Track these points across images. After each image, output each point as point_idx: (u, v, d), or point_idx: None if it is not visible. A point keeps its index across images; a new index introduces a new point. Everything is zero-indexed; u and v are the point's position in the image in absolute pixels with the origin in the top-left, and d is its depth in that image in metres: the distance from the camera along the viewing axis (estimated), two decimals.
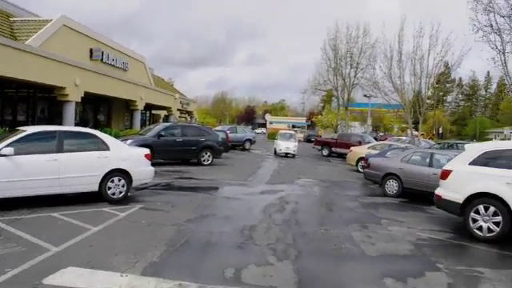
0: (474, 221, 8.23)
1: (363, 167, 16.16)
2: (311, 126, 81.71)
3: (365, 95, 41.97)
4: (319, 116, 67.98)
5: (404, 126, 31.81)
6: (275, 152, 27.41)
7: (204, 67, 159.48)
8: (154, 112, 40.15)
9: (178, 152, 18.18)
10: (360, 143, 25.97)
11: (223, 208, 9.90)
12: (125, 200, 9.64)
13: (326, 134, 49.18)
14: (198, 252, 6.31)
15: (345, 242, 7.38)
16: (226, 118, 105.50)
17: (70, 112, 18.87)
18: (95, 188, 9.32)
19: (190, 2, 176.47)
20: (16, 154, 8.22)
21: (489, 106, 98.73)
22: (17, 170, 8.21)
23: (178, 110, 38.12)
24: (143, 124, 32.87)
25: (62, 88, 18.00)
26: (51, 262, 5.46)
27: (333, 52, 41.16)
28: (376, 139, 38.04)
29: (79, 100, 19.38)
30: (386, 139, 38.56)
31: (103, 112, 30.04)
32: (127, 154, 9.97)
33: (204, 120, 78.63)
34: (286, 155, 26.46)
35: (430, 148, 22.59)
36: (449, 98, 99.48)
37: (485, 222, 8.10)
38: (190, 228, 7.67)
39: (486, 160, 8.39)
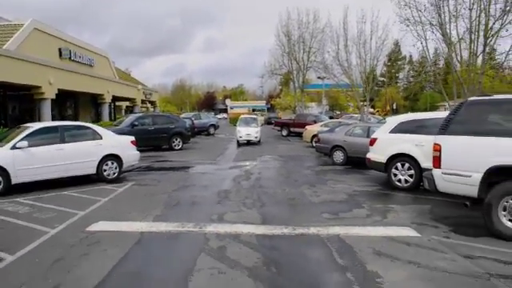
0: (395, 175, 10.83)
1: (315, 142, 18.66)
2: (271, 108, 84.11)
3: (318, 77, 44.66)
4: (278, 99, 70.43)
5: (367, 103, 34.37)
6: (237, 141, 24.76)
7: (160, 55, 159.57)
8: (117, 104, 41.44)
9: (151, 139, 20.09)
10: (315, 122, 28.44)
11: (200, 180, 12.09)
12: (118, 179, 11.69)
13: (286, 116, 51.67)
14: (189, 208, 8.55)
15: (297, 196, 9.78)
16: (186, 106, 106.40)
17: (46, 109, 20.39)
18: (94, 171, 11.33)
19: None
20: (29, 146, 10.11)
21: (438, 80, 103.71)
22: (31, 159, 10.13)
23: (142, 100, 39.55)
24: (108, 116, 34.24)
25: (38, 87, 19.47)
26: (84, 219, 7.54)
27: (286, 38, 43.57)
28: (332, 118, 40.96)
29: (54, 97, 20.86)
30: (340, 117, 41.54)
31: (70, 107, 31.26)
32: (117, 141, 12.03)
33: (165, 108, 79.49)
34: (249, 142, 24.34)
35: (378, 123, 25.39)
36: (401, 75, 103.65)
37: (402, 175, 10.70)
38: (178, 194, 9.87)
39: (400, 129, 10.96)
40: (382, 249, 5.90)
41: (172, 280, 4.89)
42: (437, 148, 7.17)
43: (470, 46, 17.11)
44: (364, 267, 5.21)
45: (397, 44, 49.26)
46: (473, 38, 16.88)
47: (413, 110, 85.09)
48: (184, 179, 12.19)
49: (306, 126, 25.50)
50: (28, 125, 11.27)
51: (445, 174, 7.05)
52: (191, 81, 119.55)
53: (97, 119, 31.01)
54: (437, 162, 7.17)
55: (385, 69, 70.01)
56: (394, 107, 79.08)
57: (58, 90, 21.01)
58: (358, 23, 29.37)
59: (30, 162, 10.08)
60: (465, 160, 6.80)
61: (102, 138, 11.60)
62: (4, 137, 11.41)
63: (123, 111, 47.77)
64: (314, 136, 21.31)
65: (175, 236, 6.53)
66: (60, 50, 23.30)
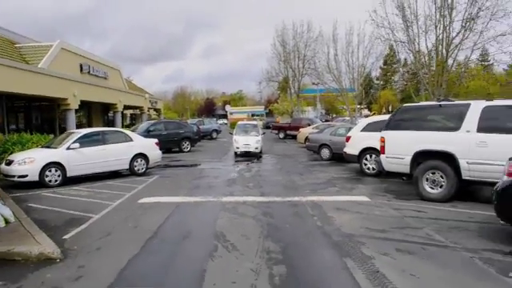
0: (365, 164, 13.82)
1: (306, 141, 21.61)
2: (270, 113, 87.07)
3: (313, 83, 47.66)
4: (276, 104, 73.42)
5: (357, 107, 37.49)
6: (235, 154, 20.88)
7: (160, 62, 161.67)
8: (124, 112, 44.37)
9: (164, 143, 22.78)
10: (309, 125, 31.42)
11: (211, 173, 15.04)
12: (145, 173, 14.61)
13: (283, 120, 54.65)
14: (206, 189, 11.50)
15: (288, 181, 12.76)
16: (186, 112, 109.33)
17: (71, 118, 23.31)
18: (127, 166, 14.28)
19: None
20: (80, 147, 13.06)
21: (432, 82, 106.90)
22: (81, 157, 13.05)
23: (149, 108, 42.53)
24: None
25: (64, 99, 22.36)
26: (132, 197, 10.48)
27: (281, 47, 46.64)
28: (327, 121, 43.98)
29: (77, 107, 23.79)
30: (333, 121, 44.68)
31: (84, 116, 34.18)
32: (144, 143, 15.02)
33: (166, 115, 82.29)
34: (247, 154, 20.53)
35: None
36: (396, 78, 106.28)
37: (370, 164, 13.67)
38: (196, 182, 12.84)
39: (369, 128, 13.95)
40: (340, 206, 8.88)
41: (205, 223, 7.86)
42: (382, 140, 10.17)
43: (437, 58, 20.16)
44: (325, 214, 8.19)
45: (392, 48, 51.51)
46: (438, 50, 19.93)
47: None
48: (198, 172, 15.16)
49: (300, 129, 28.49)
50: (75, 130, 14.32)
51: (388, 157, 10.05)
52: (191, 87, 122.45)
53: (108, 126, 33.87)
54: (382, 149, 10.17)
55: (380, 72, 72.81)
56: (390, 109, 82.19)
57: (80, 101, 23.92)
58: (346, 35, 32.44)
59: (80, 159, 13.01)
60: (400, 147, 9.80)
61: (132, 140, 14.58)
62: (52, 142, 14.38)
63: (128, 118, 50.90)
64: (307, 137, 24.23)
65: (201, 203, 9.52)
66: (81, 65, 26.28)
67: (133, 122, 46.63)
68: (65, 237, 6.95)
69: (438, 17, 19.64)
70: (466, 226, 7.18)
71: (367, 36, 31.66)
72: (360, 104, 36.24)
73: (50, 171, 12.41)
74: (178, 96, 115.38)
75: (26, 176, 12.15)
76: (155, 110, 48.43)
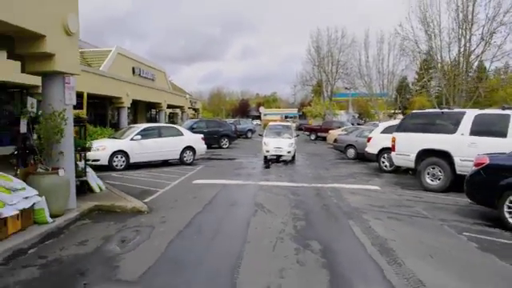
0: (383, 162, 15.83)
1: (334, 142, 23.67)
2: (303, 115, 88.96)
3: (345, 88, 49.48)
4: (309, 106, 75.40)
5: (390, 112, 39.42)
6: (265, 158, 18.27)
7: (197, 62, 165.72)
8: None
9: (205, 139, 25.55)
10: (339, 128, 33.36)
11: (249, 165, 17.40)
12: (193, 164, 17.09)
13: (315, 123, 56.64)
14: (246, 176, 13.86)
15: (315, 174, 14.95)
16: (221, 112, 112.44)
17: (124, 114, 26.28)
18: (177, 157, 16.81)
19: None
20: (141, 139, 15.68)
21: (470, 88, 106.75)
22: (142, 147, 15.67)
23: (189, 108, 45.48)
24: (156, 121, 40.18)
25: (119, 98, 25.31)
26: (186, 179, 12.95)
27: (316, 52, 48.78)
28: (359, 124, 45.76)
29: (129, 105, 26.72)
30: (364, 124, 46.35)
31: (130, 113, 37.36)
32: (193, 137, 17.55)
33: (202, 114, 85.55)
34: (279, 159, 18.61)
35: None
36: (433, 83, 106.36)
37: (387, 162, 15.68)
38: (237, 171, 15.22)
39: (388, 130, 15.91)
40: (354, 191, 11.05)
41: (247, 197, 10.21)
42: (393, 139, 12.27)
43: (459, 67, 21.89)
44: (341, 196, 10.38)
45: (429, 53, 52.74)
46: (460, 62, 21.67)
47: None
48: (237, 164, 17.56)
49: (330, 131, 30.53)
50: (136, 125, 17.04)
51: (397, 154, 12.15)
52: (227, 88, 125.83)
53: (152, 123, 36.91)
54: (393, 147, 12.27)
55: (416, 77, 73.75)
56: None
57: (132, 100, 26.84)
58: (377, 42, 34.30)
59: (140, 149, 15.63)
60: (407, 146, 11.87)
61: (183, 135, 17.14)
62: (116, 134, 17.08)
63: (167, 117, 54.38)
64: (336, 139, 26.23)
65: (243, 185, 11.89)
66: (133, 68, 29.36)
67: (171, 119, 49.80)
68: (144, 201, 9.43)
69: (460, 31, 21.38)
70: (448, 208, 9.23)
71: (397, 45, 33.43)
72: (391, 109, 37.87)
73: (117, 157, 15.09)
74: (213, 96, 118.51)
75: (99, 160, 14.80)
76: (194, 109, 51.46)
